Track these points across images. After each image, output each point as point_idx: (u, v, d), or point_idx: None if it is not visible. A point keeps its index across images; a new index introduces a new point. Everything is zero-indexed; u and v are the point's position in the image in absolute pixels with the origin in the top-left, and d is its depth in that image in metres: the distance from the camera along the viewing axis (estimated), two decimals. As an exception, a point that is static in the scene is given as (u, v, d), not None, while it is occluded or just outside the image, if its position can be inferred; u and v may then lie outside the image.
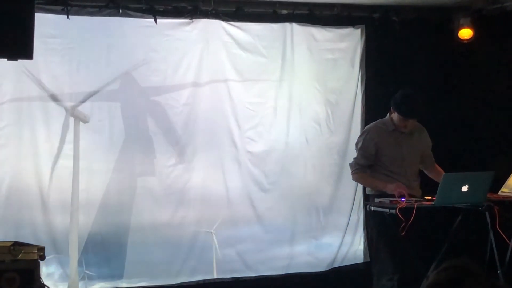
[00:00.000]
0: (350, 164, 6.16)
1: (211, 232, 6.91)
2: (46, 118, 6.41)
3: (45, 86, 6.33)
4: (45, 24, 6.16)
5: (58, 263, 6.44)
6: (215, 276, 6.97)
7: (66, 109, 6.37)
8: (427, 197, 5.85)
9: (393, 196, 5.78)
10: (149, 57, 6.71)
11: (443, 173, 6.11)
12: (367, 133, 6.12)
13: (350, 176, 6.23)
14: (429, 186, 6.11)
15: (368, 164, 6.04)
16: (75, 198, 6.33)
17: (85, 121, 6.40)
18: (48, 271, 6.28)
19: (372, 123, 6.30)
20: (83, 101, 6.41)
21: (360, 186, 7.11)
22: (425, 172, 6.30)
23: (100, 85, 6.52)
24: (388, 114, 6.11)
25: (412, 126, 6.05)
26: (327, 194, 7.38)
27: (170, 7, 6.67)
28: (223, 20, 6.92)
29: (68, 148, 6.46)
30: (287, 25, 7.17)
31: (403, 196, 5.71)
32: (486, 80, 7.54)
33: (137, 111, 6.71)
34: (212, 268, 6.97)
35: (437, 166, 6.30)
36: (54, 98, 6.38)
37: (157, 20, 6.60)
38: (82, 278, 6.47)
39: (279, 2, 6.97)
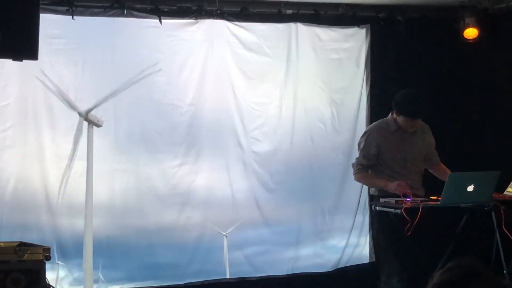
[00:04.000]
0: (352, 165, 6.18)
1: (224, 235, 6.92)
2: (52, 119, 6.42)
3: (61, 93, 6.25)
4: (50, 24, 6.16)
5: (66, 268, 6.44)
6: (221, 276, 6.97)
7: (80, 114, 6.30)
8: (432, 197, 5.83)
9: (398, 196, 5.77)
10: (154, 57, 6.71)
11: (448, 171, 6.09)
12: (369, 134, 6.11)
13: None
14: (434, 186, 6.10)
15: (370, 165, 6.05)
16: (89, 202, 6.28)
17: (99, 125, 6.32)
18: (54, 275, 6.25)
19: (373, 124, 6.30)
20: (97, 105, 6.30)
21: (366, 186, 7.10)
22: (430, 171, 6.29)
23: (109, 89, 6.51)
24: (390, 114, 6.09)
25: (418, 125, 6.04)
26: (332, 194, 7.38)
27: (175, 8, 6.67)
28: (228, 20, 6.92)
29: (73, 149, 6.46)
30: (292, 25, 7.17)
31: (408, 196, 5.70)
32: (492, 79, 7.52)
33: (142, 111, 6.71)
34: (218, 269, 6.97)
35: (442, 164, 6.29)
36: (71, 105, 6.28)
37: (162, 21, 6.61)
38: (95, 281, 6.48)
39: (284, 2, 6.97)
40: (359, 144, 6.19)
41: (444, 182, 6.02)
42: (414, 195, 5.80)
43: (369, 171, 6.09)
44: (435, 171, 6.27)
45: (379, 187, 6.01)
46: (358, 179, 6.28)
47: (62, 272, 6.40)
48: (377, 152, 6.01)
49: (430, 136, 6.25)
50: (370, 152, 6.02)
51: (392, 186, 5.83)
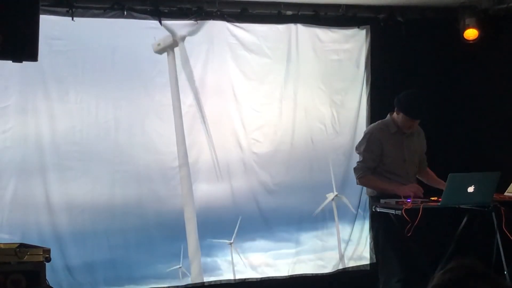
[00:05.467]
0: (355, 169, 6.04)
1: (230, 243, 6.95)
2: (52, 120, 6.41)
3: None
4: (50, 26, 6.16)
5: (66, 268, 6.43)
6: (221, 277, 6.98)
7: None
8: (433, 198, 5.82)
9: (398, 196, 5.75)
10: (154, 58, 6.71)
11: (435, 176, 6.09)
12: (371, 134, 6.05)
13: (355, 176, 6.16)
14: (434, 187, 6.10)
15: (374, 166, 5.99)
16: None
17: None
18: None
19: (373, 125, 6.27)
20: None
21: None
22: (417, 175, 6.23)
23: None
24: (388, 115, 6.07)
25: (416, 127, 6.03)
26: (332, 195, 7.37)
27: (175, 9, 6.67)
28: (228, 21, 6.92)
29: (74, 150, 6.47)
30: (292, 26, 7.17)
31: (409, 197, 5.69)
32: (492, 80, 7.52)
33: (143, 112, 6.71)
34: (219, 270, 6.98)
35: (429, 169, 6.26)
36: None
37: (162, 22, 6.61)
38: (97, 283, 6.49)
39: (284, 3, 6.97)
40: (358, 147, 6.10)
41: (431, 187, 6.04)
42: (419, 197, 5.78)
43: (373, 173, 6.00)
44: (422, 176, 6.24)
45: (390, 191, 5.87)
46: (364, 183, 6.13)
47: (62, 274, 6.39)
48: (380, 152, 5.97)
49: (424, 140, 6.24)
50: (375, 153, 5.95)
51: (404, 189, 5.78)
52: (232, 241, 6.99)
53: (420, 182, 6.16)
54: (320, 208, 7.26)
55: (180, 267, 6.82)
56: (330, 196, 7.33)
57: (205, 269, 6.94)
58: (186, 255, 6.85)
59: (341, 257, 7.41)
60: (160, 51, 6.72)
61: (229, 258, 7.03)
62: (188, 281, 6.85)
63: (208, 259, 6.96)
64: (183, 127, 6.83)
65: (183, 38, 6.77)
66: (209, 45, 6.90)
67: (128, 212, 6.65)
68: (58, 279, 6.29)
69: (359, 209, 7.42)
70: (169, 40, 6.73)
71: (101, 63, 6.55)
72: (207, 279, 6.93)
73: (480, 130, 7.49)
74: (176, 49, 6.79)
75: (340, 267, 7.40)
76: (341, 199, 7.38)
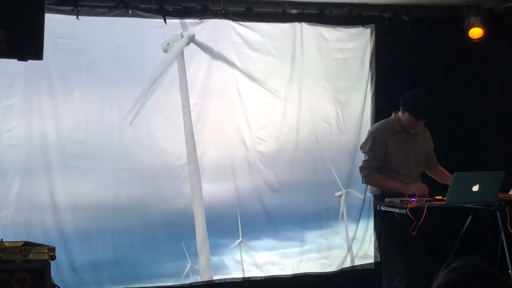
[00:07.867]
0: (361, 168, 6.03)
1: (239, 242, 6.97)
2: (57, 118, 6.42)
3: None
4: (55, 24, 6.16)
5: (70, 267, 6.44)
6: (226, 276, 6.98)
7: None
8: (437, 197, 5.81)
9: (403, 195, 5.74)
10: (159, 57, 6.72)
11: (447, 173, 6.07)
12: (376, 133, 6.04)
13: (361, 175, 6.15)
14: (439, 186, 6.09)
15: (380, 165, 5.98)
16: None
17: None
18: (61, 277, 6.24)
19: (377, 124, 6.27)
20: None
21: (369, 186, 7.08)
22: (428, 173, 6.23)
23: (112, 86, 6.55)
24: (393, 114, 6.06)
25: (421, 127, 6.03)
26: (337, 194, 7.37)
27: (179, 7, 6.68)
28: (233, 20, 6.92)
29: (79, 148, 6.47)
30: (296, 24, 7.17)
31: (414, 196, 5.68)
32: (497, 79, 7.51)
33: (147, 111, 6.71)
34: (224, 268, 6.99)
35: (440, 166, 6.25)
36: None
37: (167, 20, 6.61)
38: (99, 283, 6.49)
39: (289, 1, 6.97)
40: (363, 146, 6.08)
41: (442, 184, 6.02)
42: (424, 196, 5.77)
43: (378, 172, 5.98)
44: (433, 174, 6.23)
45: (396, 190, 5.85)
46: (370, 182, 6.10)
47: (67, 273, 6.39)
48: (385, 151, 5.96)
49: (430, 139, 6.23)
50: (380, 152, 5.93)
51: (411, 188, 5.77)
52: (241, 239, 6.99)
53: (430, 180, 6.15)
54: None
55: (189, 265, 6.82)
56: (339, 193, 7.34)
57: (212, 268, 6.94)
58: (193, 253, 6.85)
59: (346, 256, 7.40)
60: (169, 50, 6.72)
61: (236, 256, 7.03)
62: (197, 279, 6.85)
63: (215, 258, 6.96)
64: (191, 124, 6.83)
65: (192, 37, 6.78)
66: (214, 43, 6.90)
67: (133, 211, 6.65)
68: (63, 277, 6.30)
69: (363, 208, 7.42)
70: (178, 39, 6.74)
71: (106, 61, 6.55)
72: (211, 277, 6.93)
73: (485, 129, 7.48)
74: (185, 48, 6.80)
75: (345, 265, 7.40)
76: (349, 195, 7.39)
